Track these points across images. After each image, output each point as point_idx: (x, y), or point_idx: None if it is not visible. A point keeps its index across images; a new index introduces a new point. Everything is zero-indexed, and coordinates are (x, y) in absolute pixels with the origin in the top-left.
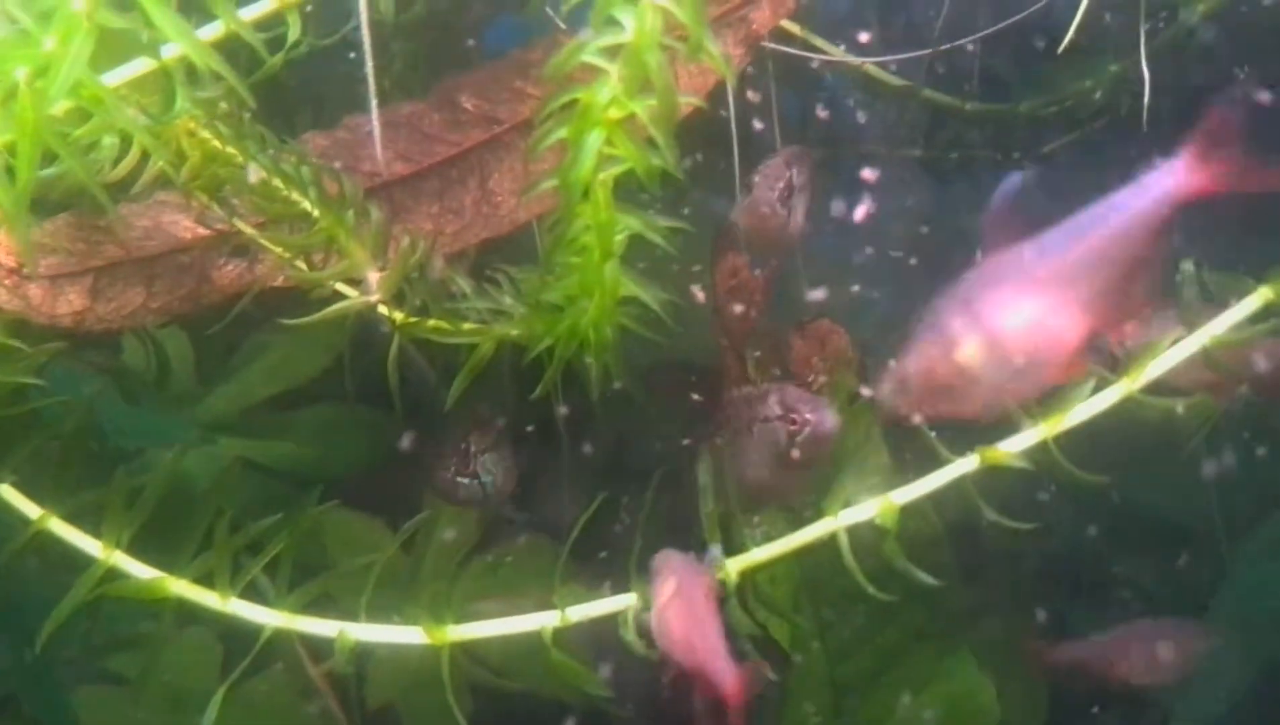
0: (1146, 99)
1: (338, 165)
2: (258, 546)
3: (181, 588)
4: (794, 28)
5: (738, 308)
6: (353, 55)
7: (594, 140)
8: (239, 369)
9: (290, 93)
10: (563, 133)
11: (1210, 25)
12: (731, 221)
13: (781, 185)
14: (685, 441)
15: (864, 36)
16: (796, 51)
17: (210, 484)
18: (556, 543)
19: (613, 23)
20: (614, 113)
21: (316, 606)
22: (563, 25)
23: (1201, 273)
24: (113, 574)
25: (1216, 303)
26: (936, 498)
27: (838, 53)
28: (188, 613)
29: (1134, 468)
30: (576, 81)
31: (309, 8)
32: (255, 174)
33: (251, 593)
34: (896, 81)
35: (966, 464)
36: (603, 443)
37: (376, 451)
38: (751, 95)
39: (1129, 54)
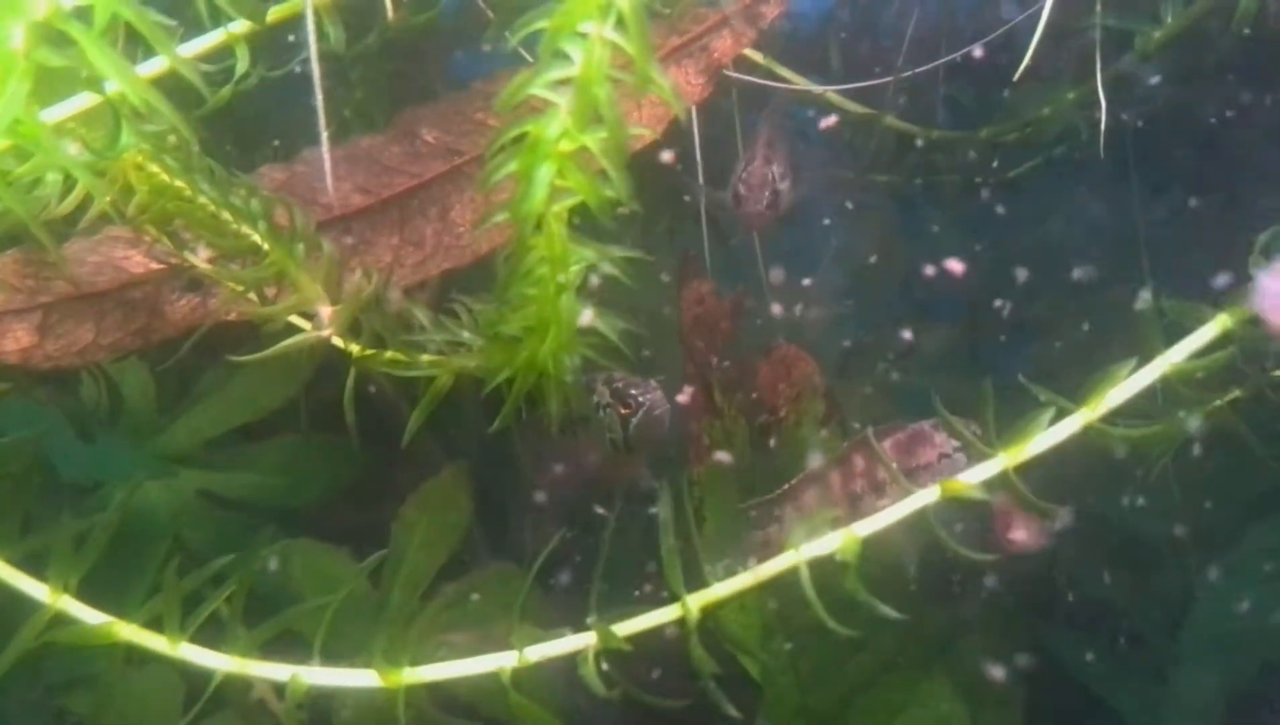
0: (1104, 125)
1: (294, 199)
2: (220, 579)
3: (131, 632)
4: (757, 56)
5: (704, 335)
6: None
7: (544, 173)
8: (200, 400)
9: (251, 125)
10: (514, 166)
11: (1165, 54)
12: (695, 251)
13: (778, 168)
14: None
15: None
16: (759, 80)
17: (171, 517)
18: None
19: (561, 56)
20: (564, 145)
21: (280, 641)
22: (529, 58)
23: (1159, 300)
24: (60, 619)
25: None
26: (900, 528)
27: (801, 81)
28: (139, 657)
29: (1105, 487)
30: (531, 113)
31: (290, 36)
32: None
33: (213, 628)
34: (860, 109)
35: (928, 495)
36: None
37: (342, 481)
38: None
39: (1086, 82)
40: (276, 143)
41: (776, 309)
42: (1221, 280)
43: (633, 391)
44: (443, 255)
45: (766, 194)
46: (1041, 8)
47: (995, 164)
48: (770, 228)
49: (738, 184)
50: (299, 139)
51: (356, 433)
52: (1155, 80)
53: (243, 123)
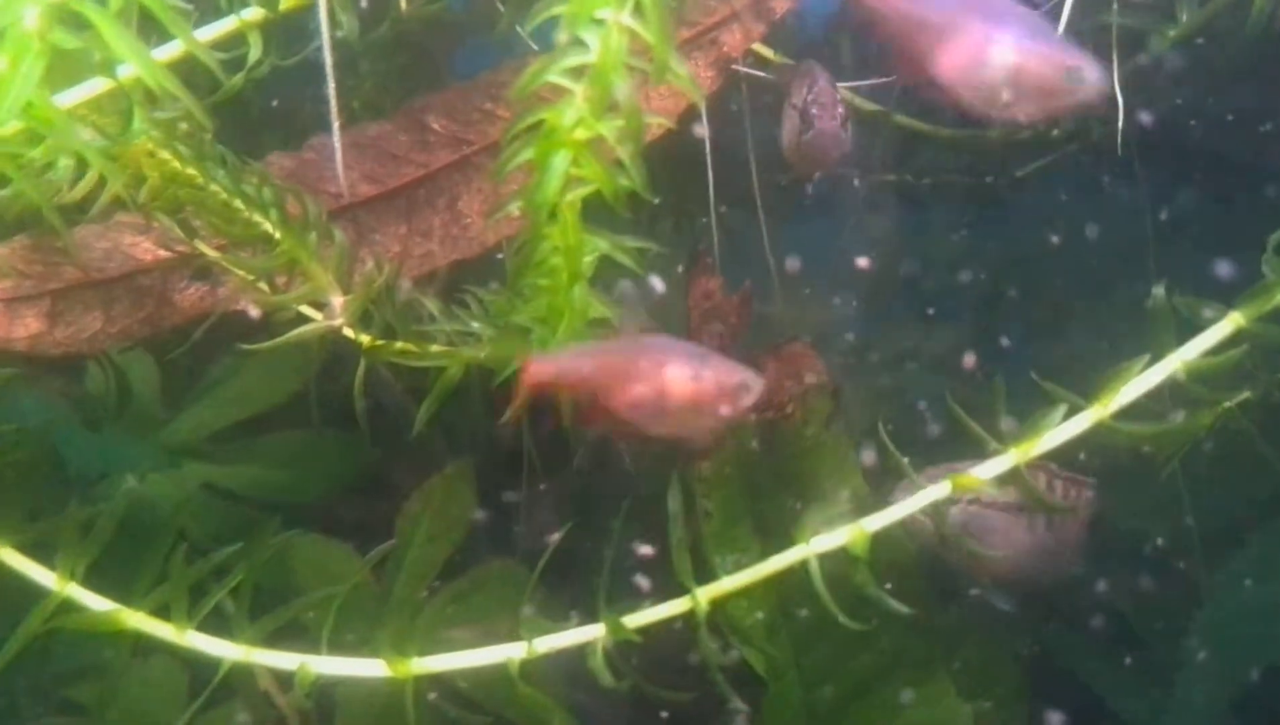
0: (1121, 124)
1: (303, 187)
2: (224, 572)
3: (138, 620)
4: (767, 51)
5: (712, 331)
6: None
7: (560, 161)
8: (206, 392)
9: (259, 113)
10: (529, 154)
11: (1180, 52)
12: (703, 247)
13: (841, 111)
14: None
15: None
16: (769, 76)
17: (174, 509)
18: (529, 567)
19: (578, 43)
20: (580, 134)
21: (282, 636)
22: (535, 47)
23: (1172, 297)
24: (67, 606)
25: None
26: (909, 524)
27: None
28: (147, 644)
29: (1111, 488)
30: (544, 102)
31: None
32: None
33: (216, 621)
34: (869, 106)
35: (939, 491)
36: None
37: (347, 475)
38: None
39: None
40: (284, 131)
41: (784, 305)
42: (1235, 279)
43: (815, 109)
44: (450, 246)
45: (840, 110)
46: (1059, 4)
47: (1005, 163)
48: (837, 158)
49: (808, 106)
50: (307, 128)
51: (363, 425)
52: (1169, 79)
53: (251, 110)
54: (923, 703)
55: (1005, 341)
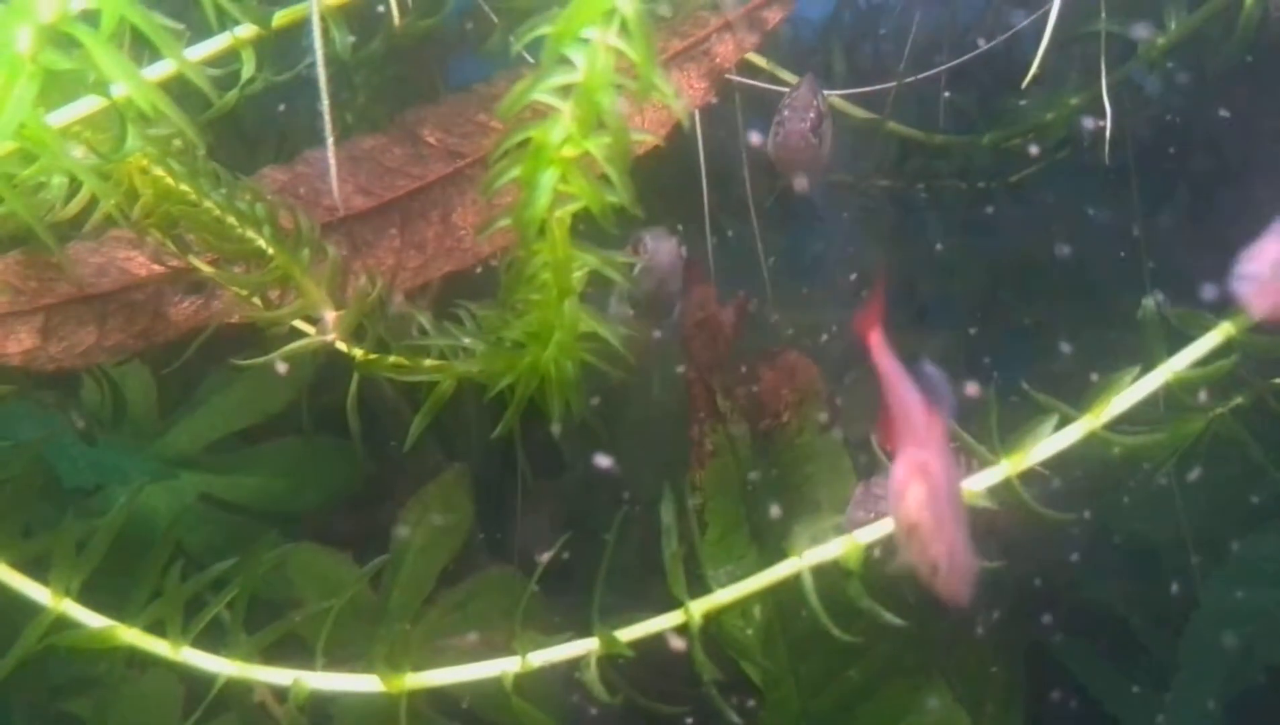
0: (1109, 131)
1: (296, 201)
2: (222, 583)
3: (133, 636)
4: (760, 60)
5: (706, 341)
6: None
7: (548, 179)
8: (201, 404)
9: (254, 127)
10: (517, 171)
11: (1169, 60)
12: (698, 256)
13: (812, 115)
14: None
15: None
16: (762, 85)
17: (171, 521)
18: (527, 576)
19: (565, 61)
20: (568, 151)
21: (280, 645)
22: (530, 59)
23: (1162, 307)
24: (62, 622)
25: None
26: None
27: None
28: (140, 660)
29: (1107, 492)
30: (535, 117)
31: (302, 41)
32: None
33: (214, 632)
34: (862, 114)
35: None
36: (571, 477)
37: (344, 485)
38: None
39: (1090, 87)
40: (279, 145)
41: (778, 314)
42: (1225, 288)
43: (645, 238)
44: (444, 258)
45: (811, 114)
46: (1046, 13)
47: (998, 170)
48: (810, 161)
49: (782, 110)
50: (301, 143)
51: (356, 438)
52: (1159, 86)
53: (246, 125)
54: (919, 709)
55: (998, 348)
